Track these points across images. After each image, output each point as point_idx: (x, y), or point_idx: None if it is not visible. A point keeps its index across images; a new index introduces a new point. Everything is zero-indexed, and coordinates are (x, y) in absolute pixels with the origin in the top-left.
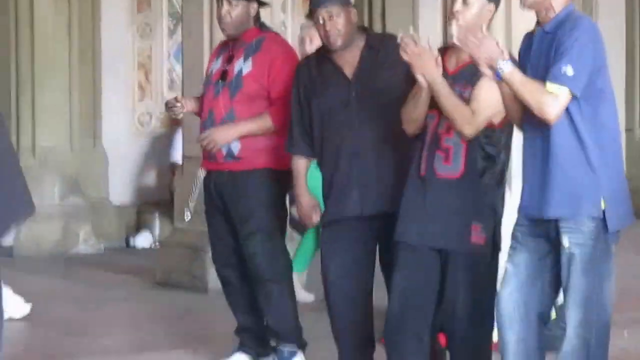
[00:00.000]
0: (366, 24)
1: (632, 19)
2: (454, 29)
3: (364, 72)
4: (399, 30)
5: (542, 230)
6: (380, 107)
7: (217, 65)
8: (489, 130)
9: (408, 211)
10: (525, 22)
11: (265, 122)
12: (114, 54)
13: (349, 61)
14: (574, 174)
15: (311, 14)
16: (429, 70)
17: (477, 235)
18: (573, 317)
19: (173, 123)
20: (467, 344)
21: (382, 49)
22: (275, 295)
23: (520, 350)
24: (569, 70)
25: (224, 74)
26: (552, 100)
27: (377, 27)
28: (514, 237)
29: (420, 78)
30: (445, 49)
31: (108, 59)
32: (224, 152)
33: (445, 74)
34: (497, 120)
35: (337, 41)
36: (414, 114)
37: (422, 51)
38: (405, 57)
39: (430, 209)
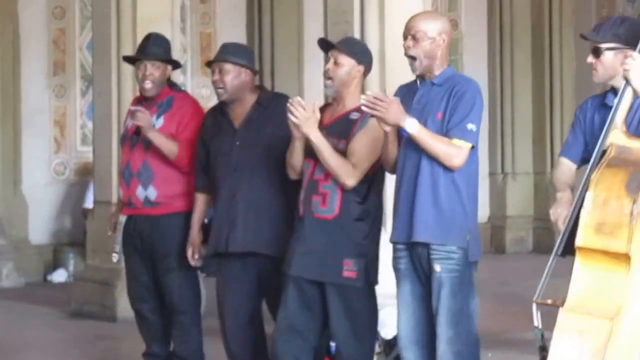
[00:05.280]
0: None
1: (493, 68)
2: (330, 90)
3: (249, 125)
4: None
5: (416, 258)
6: (259, 157)
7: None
8: (363, 177)
9: (292, 247)
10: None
11: (173, 146)
12: (33, 112)
13: (240, 114)
14: (448, 209)
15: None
16: (313, 132)
17: (349, 270)
18: (444, 334)
19: (85, 173)
20: None
21: (270, 107)
22: (186, 324)
23: None
24: (473, 128)
25: (138, 130)
26: (458, 151)
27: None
28: (395, 269)
29: (297, 133)
30: (325, 107)
31: (27, 117)
32: (142, 199)
33: (320, 125)
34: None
35: (221, 95)
36: (291, 161)
37: (309, 116)
38: (292, 119)
39: (307, 245)
